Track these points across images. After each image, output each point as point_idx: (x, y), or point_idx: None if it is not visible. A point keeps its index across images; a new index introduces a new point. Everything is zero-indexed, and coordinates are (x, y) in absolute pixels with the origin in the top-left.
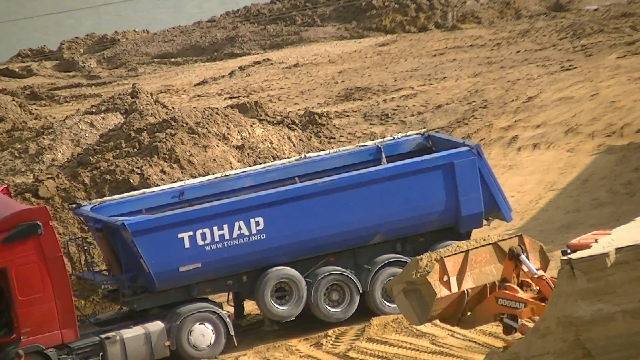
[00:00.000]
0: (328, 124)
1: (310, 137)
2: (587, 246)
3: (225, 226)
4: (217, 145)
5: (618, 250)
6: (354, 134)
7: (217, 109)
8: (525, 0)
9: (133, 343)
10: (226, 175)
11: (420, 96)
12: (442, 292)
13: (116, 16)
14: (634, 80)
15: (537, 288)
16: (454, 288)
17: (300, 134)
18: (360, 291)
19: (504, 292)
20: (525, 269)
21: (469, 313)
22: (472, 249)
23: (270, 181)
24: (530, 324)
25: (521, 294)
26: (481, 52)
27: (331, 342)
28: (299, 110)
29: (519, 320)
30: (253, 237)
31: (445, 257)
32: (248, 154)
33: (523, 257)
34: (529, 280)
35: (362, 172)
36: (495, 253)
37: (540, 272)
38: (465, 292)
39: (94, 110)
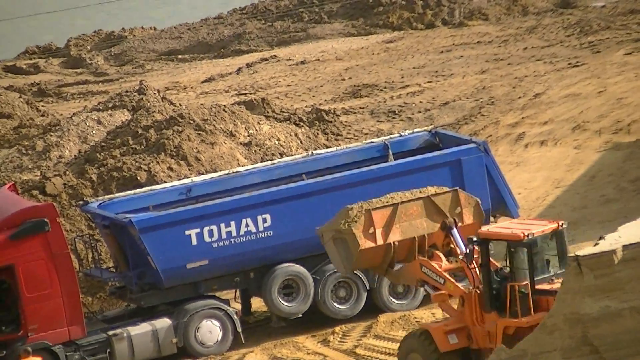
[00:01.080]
0: (335, 121)
1: (318, 134)
2: (496, 235)
3: (233, 223)
4: (224, 142)
5: (625, 247)
6: (361, 130)
7: (224, 105)
8: None
9: (140, 340)
10: (233, 172)
11: (428, 93)
12: (366, 244)
13: (123, 13)
14: None
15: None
16: (380, 240)
17: (308, 131)
18: (367, 288)
19: (428, 262)
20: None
21: (396, 267)
22: (402, 202)
23: (278, 178)
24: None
25: (444, 264)
26: (488, 48)
27: (338, 339)
28: (306, 107)
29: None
30: (260, 234)
31: (373, 209)
32: (255, 150)
33: (455, 231)
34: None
35: (369, 168)
36: (427, 207)
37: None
38: (392, 244)
39: (101, 107)
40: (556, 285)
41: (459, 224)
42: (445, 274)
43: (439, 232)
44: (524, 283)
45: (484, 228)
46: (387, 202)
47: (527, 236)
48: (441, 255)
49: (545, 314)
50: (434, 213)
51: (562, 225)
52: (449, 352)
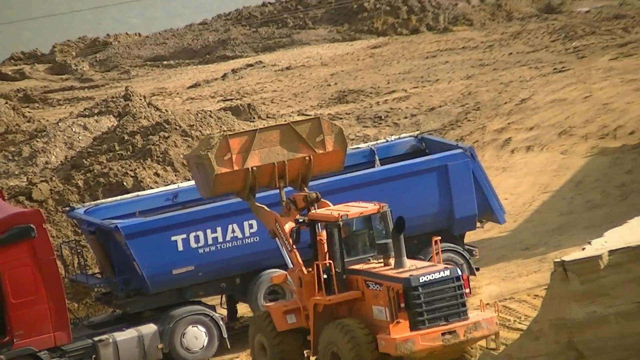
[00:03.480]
0: None
1: None
2: (319, 216)
3: (219, 229)
4: None
5: (611, 252)
6: (347, 136)
7: (210, 111)
8: (517, 2)
9: (126, 346)
10: None
11: (413, 98)
12: (221, 169)
13: (108, 19)
14: (626, 82)
15: None
16: (236, 166)
17: None
18: None
19: (282, 222)
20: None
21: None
22: (260, 129)
23: None
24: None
25: (290, 225)
26: (473, 54)
27: None
28: (292, 112)
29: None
30: (246, 239)
31: (230, 135)
32: None
33: (314, 209)
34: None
35: (355, 174)
36: (287, 135)
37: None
38: (250, 169)
39: (87, 113)
40: (369, 265)
41: (321, 152)
42: (295, 248)
43: (300, 199)
44: (327, 262)
45: (314, 211)
46: (244, 129)
47: (341, 217)
48: (297, 216)
49: (355, 293)
50: (294, 140)
51: (383, 208)
52: (287, 332)
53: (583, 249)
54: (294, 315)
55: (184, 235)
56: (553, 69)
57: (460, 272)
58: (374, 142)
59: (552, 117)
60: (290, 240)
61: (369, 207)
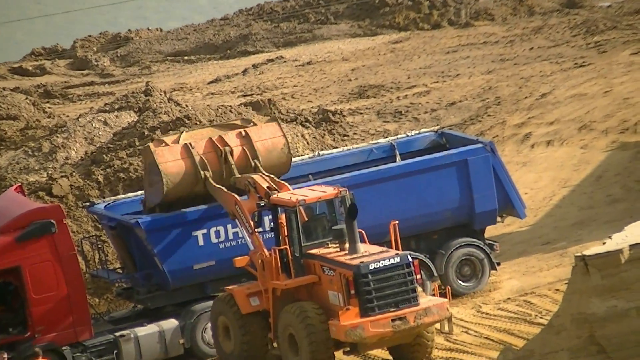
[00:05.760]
0: (342, 122)
1: (324, 134)
2: (278, 201)
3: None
4: None
5: (632, 246)
6: (368, 131)
7: (230, 106)
8: None
9: (147, 341)
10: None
11: (434, 93)
12: (161, 151)
13: (129, 14)
14: None
15: None
16: (174, 144)
17: (314, 132)
18: None
19: (242, 202)
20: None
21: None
22: (186, 130)
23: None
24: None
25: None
26: (494, 49)
27: None
28: (312, 107)
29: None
30: (267, 234)
31: (157, 137)
32: None
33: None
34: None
35: (375, 169)
36: (215, 129)
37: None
38: (189, 144)
39: (107, 109)
40: (325, 250)
41: (253, 125)
42: (256, 232)
43: (262, 190)
44: (283, 247)
45: (275, 195)
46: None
47: (299, 202)
48: (256, 198)
49: (311, 277)
50: (224, 128)
51: (341, 192)
52: (251, 314)
53: (604, 243)
54: (257, 297)
55: (205, 231)
56: (574, 64)
57: (410, 259)
58: (395, 137)
59: (572, 112)
60: (252, 223)
61: (328, 192)
